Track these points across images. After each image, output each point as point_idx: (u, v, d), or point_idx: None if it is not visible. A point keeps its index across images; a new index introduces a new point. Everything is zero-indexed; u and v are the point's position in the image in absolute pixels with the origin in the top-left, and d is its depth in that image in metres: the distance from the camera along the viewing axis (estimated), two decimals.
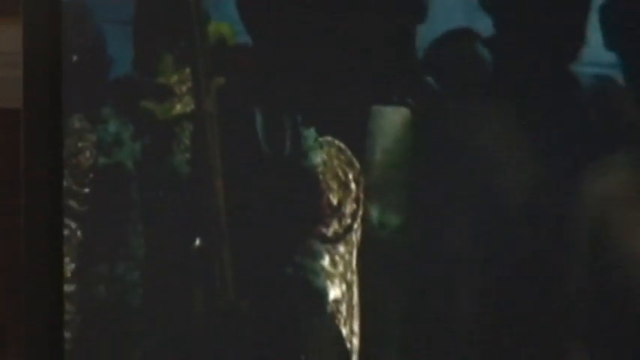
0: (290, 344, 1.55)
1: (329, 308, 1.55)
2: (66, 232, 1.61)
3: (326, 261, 1.56)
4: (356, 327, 1.54)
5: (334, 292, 1.55)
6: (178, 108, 1.60)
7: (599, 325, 1.50)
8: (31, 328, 1.63)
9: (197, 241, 1.57)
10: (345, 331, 1.54)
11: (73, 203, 1.58)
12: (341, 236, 1.55)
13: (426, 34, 1.53)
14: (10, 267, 2.03)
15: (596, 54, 1.52)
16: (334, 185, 1.55)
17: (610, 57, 1.52)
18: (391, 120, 1.56)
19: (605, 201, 1.50)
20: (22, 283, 1.71)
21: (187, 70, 1.59)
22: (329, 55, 1.54)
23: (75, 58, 1.59)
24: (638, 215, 1.49)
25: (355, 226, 1.55)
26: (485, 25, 1.53)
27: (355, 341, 1.54)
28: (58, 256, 1.65)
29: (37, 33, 1.67)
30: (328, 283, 1.55)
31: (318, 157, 1.55)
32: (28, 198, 1.70)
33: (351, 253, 1.55)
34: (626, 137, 1.49)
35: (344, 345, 1.54)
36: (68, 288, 1.58)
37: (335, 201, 1.55)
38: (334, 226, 1.55)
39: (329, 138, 1.56)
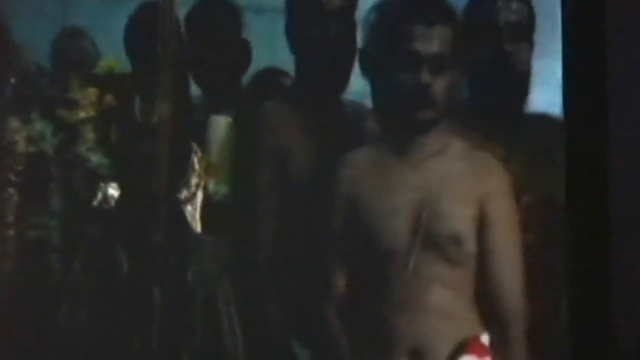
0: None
1: None
2: None
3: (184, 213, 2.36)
4: None
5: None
6: (82, 114, 2.35)
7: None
8: None
9: (95, 202, 2.35)
10: None
11: (11, 176, 2.33)
12: (189, 199, 2.33)
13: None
14: None
15: (355, 87, 2.31)
16: None
17: (363, 88, 2.30)
18: (220, 125, 2.34)
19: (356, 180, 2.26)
20: None
21: (88, 89, 2.36)
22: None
23: (13, 80, 2.35)
24: (381, 185, 2.24)
25: (198, 192, 2.33)
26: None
27: None
28: None
29: None
30: None
31: None
32: None
33: (195, 209, 2.33)
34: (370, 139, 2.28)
35: None
36: (9, 232, 2.33)
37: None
38: (184, 193, 2.33)
39: None
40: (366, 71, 2.32)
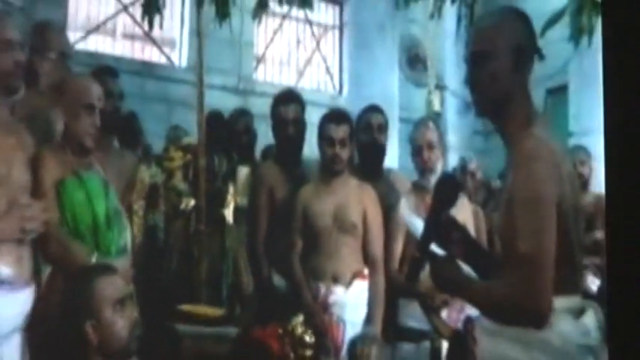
0: None
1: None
2: None
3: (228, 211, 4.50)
4: None
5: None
6: (175, 164, 4.54)
7: None
8: None
9: (181, 207, 4.53)
10: None
11: (141, 194, 4.52)
12: (227, 206, 4.49)
13: None
14: None
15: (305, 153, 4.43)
16: None
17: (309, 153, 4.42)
18: (243, 172, 4.48)
19: (306, 198, 4.19)
20: None
21: (178, 151, 4.56)
22: None
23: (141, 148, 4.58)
24: (318, 200, 4.21)
25: (231, 204, 4.48)
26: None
27: None
28: None
29: None
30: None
31: None
32: None
33: (229, 212, 4.45)
34: (314, 178, 4.41)
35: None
36: (140, 220, 4.50)
37: None
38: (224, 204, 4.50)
39: None
40: None
